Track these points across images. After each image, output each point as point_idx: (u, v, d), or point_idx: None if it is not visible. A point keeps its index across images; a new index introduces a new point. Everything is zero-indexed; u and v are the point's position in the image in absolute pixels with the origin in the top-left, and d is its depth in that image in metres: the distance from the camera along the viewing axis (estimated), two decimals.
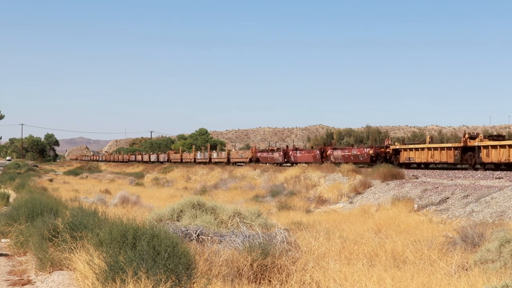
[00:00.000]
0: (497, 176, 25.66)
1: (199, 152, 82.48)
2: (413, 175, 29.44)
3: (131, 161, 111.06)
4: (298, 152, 53.43)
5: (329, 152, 47.16)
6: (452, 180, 26.28)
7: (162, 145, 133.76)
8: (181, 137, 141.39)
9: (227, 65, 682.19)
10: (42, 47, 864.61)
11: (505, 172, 28.10)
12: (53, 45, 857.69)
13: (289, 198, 28.42)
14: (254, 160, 60.72)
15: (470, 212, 18.51)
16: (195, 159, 78.94)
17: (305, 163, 47.44)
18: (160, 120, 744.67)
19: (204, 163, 72.49)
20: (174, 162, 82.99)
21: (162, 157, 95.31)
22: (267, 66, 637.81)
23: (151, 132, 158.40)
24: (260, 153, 61.40)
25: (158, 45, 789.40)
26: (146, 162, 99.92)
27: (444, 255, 10.52)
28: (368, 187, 27.69)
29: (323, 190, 30.58)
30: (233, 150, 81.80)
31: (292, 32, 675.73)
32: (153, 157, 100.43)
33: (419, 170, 35.19)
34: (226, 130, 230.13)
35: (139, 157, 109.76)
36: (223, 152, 73.05)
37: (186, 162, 79.15)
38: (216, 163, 69.27)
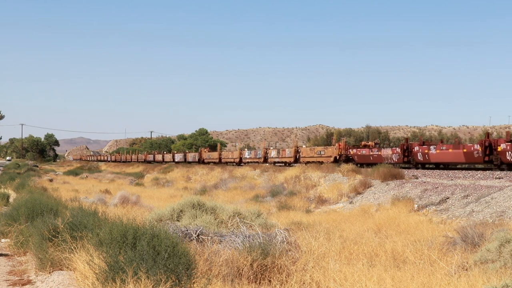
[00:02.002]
0: (497, 176, 25.65)
1: (247, 150, 69.09)
2: (413, 175, 29.45)
3: (148, 161, 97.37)
4: (432, 148, 35.44)
5: (502, 146, 29.03)
6: (452, 180, 26.27)
7: (162, 145, 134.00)
8: (181, 137, 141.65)
9: (227, 65, 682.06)
10: (42, 47, 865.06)
11: (504, 172, 28.08)
12: (53, 45, 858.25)
13: (289, 198, 28.40)
14: (343, 160, 43.60)
15: (470, 212, 18.50)
16: (241, 158, 63.77)
17: (449, 164, 27.31)
18: (160, 120, 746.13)
19: (256, 163, 57.35)
20: (209, 163, 69.79)
21: (191, 156, 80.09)
22: (267, 66, 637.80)
23: (151, 132, 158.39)
24: (355, 150, 44.32)
25: (158, 45, 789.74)
26: (168, 162, 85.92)
27: (444, 255, 10.52)
28: (368, 187, 27.69)
29: (323, 190, 30.58)
30: (304, 146, 62.61)
31: (292, 32, 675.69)
32: (178, 157, 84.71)
33: (419, 170, 35.12)
34: (226, 130, 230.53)
35: (158, 157, 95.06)
36: (286, 150, 55.30)
37: (227, 163, 65.64)
38: (275, 163, 54.16)
